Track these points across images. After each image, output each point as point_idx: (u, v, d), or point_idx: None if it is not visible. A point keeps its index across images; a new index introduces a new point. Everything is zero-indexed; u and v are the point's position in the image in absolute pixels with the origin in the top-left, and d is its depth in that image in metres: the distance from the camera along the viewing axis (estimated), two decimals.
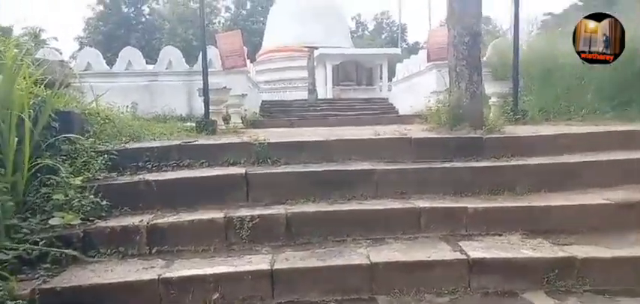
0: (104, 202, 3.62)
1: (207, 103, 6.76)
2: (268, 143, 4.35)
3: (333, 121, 11.86)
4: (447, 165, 4.16)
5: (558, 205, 3.58)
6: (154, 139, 4.85)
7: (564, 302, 2.79)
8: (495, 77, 9.48)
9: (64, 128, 4.07)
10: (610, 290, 2.87)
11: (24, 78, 3.91)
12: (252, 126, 9.97)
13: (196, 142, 4.64)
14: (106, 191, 3.69)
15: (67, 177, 3.63)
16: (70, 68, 7.12)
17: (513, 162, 4.18)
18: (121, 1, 43.26)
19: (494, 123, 5.16)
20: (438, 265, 3.03)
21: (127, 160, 4.19)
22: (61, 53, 15.18)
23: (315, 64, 20.31)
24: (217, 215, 3.53)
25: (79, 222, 3.37)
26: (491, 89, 8.10)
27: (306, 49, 20.94)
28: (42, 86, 4.25)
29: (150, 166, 4.20)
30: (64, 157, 3.91)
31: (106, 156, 4.10)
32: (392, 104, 17.64)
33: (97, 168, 3.96)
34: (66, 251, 3.13)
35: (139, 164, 4.20)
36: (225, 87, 8.90)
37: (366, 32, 57.00)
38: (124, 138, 4.65)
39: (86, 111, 4.83)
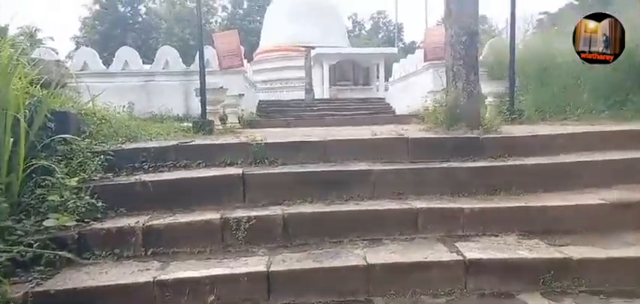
0: (100, 203, 3.60)
1: (204, 103, 6.75)
2: (265, 143, 4.34)
3: (330, 121, 11.85)
4: (444, 165, 4.16)
5: (555, 205, 3.58)
6: (151, 139, 4.83)
7: (560, 303, 2.79)
8: (491, 76, 9.51)
9: (60, 128, 4.04)
10: (606, 291, 2.87)
11: (19, 78, 3.88)
12: (249, 126, 9.95)
13: (193, 142, 4.63)
14: (102, 192, 3.67)
15: (63, 178, 3.61)
16: (67, 68, 7.08)
17: (510, 162, 4.18)
18: (117, 0, 43.10)
19: (491, 122, 5.16)
20: (435, 266, 3.02)
21: (123, 161, 4.17)
22: (57, 53, 15.10)
23: (312, 63, 20.29)
24: (214, 216, 3.51)
25: (74, 223, 3.35)
26: (488, 88, 8.10)
27: (303, 49, 20.92)
28: (38, 86, 4.23)
29: (146, 167, 4.19)
30: (60, 158, 3.89)
31: (102, 156, 4.07)
32: (389, 104, 17.65)
33: (93, 168, 3.94)
34: (60, 253, 3.10)
35: (136, 164, 4.19)
36: (222, 87, 8.86)
37: (362, 32, 57.00)
38: (120, 139, 4.63)
39: (82, 112, 4.80)
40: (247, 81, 14.17)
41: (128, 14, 44.75)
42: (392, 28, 49.78)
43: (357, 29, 56.77)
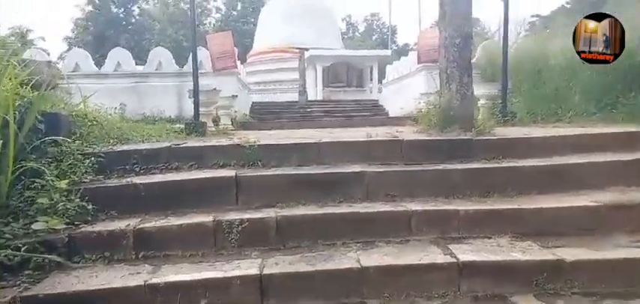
0: (90, 206, 3.55)
1: (197, 105, 6.72)
2: (258, 145, 4.31)
3: (323, 123, 11.82)
4: (438, 167, 4.16)
5: (548, 207, 3.59)
6: (143, 141, 4.79)
7: None
8: (484, 79, 9.57)
9: (50, 130, 3.99)
10: (598, 293, 2.88)
11: (10, 79, 3.84)
12: (243, 127, 9.92)
13: (186, 144, 4.60)
14: (93, 194, 3.63)
15: (53, 181, 3.56)
16: (58, 69, 7.02)
17: (504, 164, 4.18)
18: (110, 1, 42.85)
19: (485, 124, 5.18)
20: (429, 269, 3.01)
21: (114, 163, 4.12)
22: (48, 54, 14.94)
23: (305, 65, 20.28)
24: (206, 218, 3.48)
25: (64, 226, 3.30)
26: (480, 90, 8.13)
27: (297, 51, 20.92)
28: (28, 87, 4.18)
29: (138, 169, 4.14)
30: (50, 160, 3.84)
31: (93, 158, 4.03)
32: (382, 105, 17.66)
33: (84, 170, 3.89)
34: (49, 256, 3.06)
35: (127, 167, 4.14)
36: (215, 89, 8.82)
37: (356, 34, 57.09)
38: (111, 140, 4.59)
39: (73, 113, 4.75)
40: (240, 82, 14.12)
41: (121, 15, 44.50)
42: (385, 31, 49.91)
43: (350, 31, 56.85)
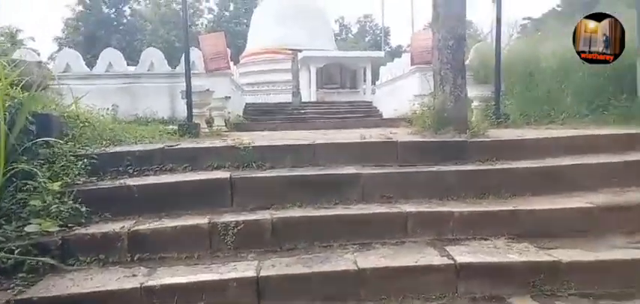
0: (84, 208, 3.51)
1: (190, 106, 6.68)
2: (253, 146, 4.29)
3: (317, 124, 11.81)
4: (433, 168, 4.16)
5: (543, 209, 3.60)
6: (136, 143, 4.74)
7: None
8: (477, 80, 9.63)
9: (41, 131, 3.94)
10: (595, 294, 2.89)
11: None
12: (236, 129, 9.88)
13: (179, 146, 4.56)
14: (86, 196, 3.58)
15: (45, 183, 3.51)
16: (49, 70, 6.95)
17: (498, 166, 4.20)
18: (101, 1, 42.52)
19: (478, 126, 5.20)
20: (426, 270, 3.01)
21: (107, 164, 4.08)
22: (38, 54, 14.80)
23: (299, 66, 20.26)
24: (201, 221, 3.45)
25: (57, 228, 3.26)
26: (473, 92, 8.19)
27: (290, 52, 20.90)
28: (18, 88, 4.12)
29: (131, 171, 4.10)
30: (42, 162, 3.79)
31: (85, 160, 3.98)
32: (376, 107, 17.71)
33: (77, 172, 3.84)
34: (43, 259, 3.02)
35: (120, 168, 4.10)
36: (208, 90, 8.80)
37: (349, 35, 57.23)
38: (104, 142, 4.54)
39: (65, 114, 4.70)
40: (234, 83, 14.08)
41: (112, 15, 44.19)
42: (378, 32, 49.99)
43: (343, 33, 56.98)
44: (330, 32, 30.03)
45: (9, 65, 4.21)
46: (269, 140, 4.85)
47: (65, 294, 2.72)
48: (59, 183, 3.59)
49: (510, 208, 3.64)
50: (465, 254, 3.15)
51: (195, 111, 6.99)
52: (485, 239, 3.41)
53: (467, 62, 8.44)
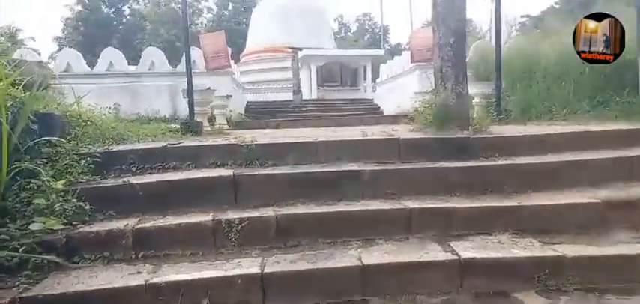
0: (87, 206, 3.51)
1: (191, 104, 6.68)
2: (256, 144, 4.29)
3: (318, 122, 11.83)
4: (436, 165, 4.16)
5: (547, 204, 3.60)
6: (138, 141, 4.74)
7: (555, 301, 2.80)
8: (477, 77, 9.61)
9: (44, 130, 3.94)
10: (599, 288, 2.89)
11: (0, 79, 3.78)
12: (238, 127, 9.88)
13: (182, 144, 4.56)
14: (90, 194, 3.59)
15: (49, 181, 3.51)
16: (50, 69, 6.94)
17: (501, 162, 4.20)
18: (100, 1, 42.50)
19: (480, 123, 5.19)
20: (430, 266, 3.01)
21: (110, 163, 4.08)
22: (39, 54, 14.81)
23: (299, 65, 20.27)
24: (205, 218, 3.46)
25: (62, 226, 3.26)
26: (474, 89, 8.18)
27: (290, 50, 20.92)
28: (20, 87, 4.12)
29: (134, 169, 4.11)
30: (45, 160, 3.79)
31: (88, 158, 3.99)
32: (377, 105, 17.72)
33: (80, 171, 3.85)
34: (48, 257, 3.02)
35: (123, 167, 4.10)
36: (209, 88, 8.82)
37: (348, 34, 57.26)
38: (107, 141, 4.54)
39: (67, 113, 4.69)
40: (235, 82, 14.09)
41: (112, 15, 44.21)
42: (378, 30, 50.04)
43: (343, 31, 57.00)
44: (329, 31, 30.06)
45: (10, 65, 4.21)
46: (271, 138, 4.85)
47: (70, 291, 2.73)
48: (63, 181, 3.59)
49: (514, 204, 3.64)
50: (468, 249, 3.15)
51: (197, 109, 6.99)
52: (489, 235, 3.41)
53: (467, 59, 8.45)
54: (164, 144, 4.51)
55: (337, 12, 59.33)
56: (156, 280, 2.84)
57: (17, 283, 2.80)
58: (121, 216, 3.53)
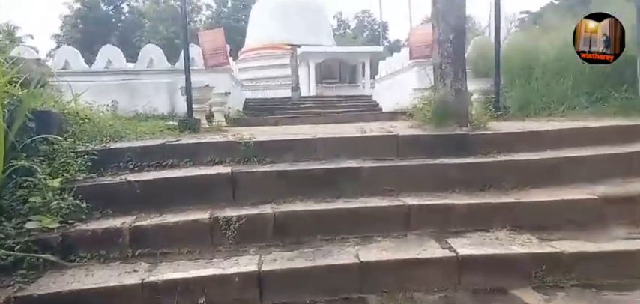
0: (84, 204, 3.49)
1: (190, 102, 6.66)
2: (254, 141, 4.28)
3: (317, 119, 11.81)
4: (435, 161, 4.15)
5: (545, 201, 3.60)
6: (136, 139, 4.72)
7: (552, 297, 2.80)
8: (476, 74, 9.59)
9: (41, 128, 3.93)
10: (596, 284, 2.89)
11: None
12: (236, 124, 9.86)
13: (180, 141, 4.54)
14: (87, 192, 3.57)
15: (45, 179, 3.49)
16: (48, 67, 6.92)
17: (499, 158, 4.19)
18: None
19: (479, 119, 5.19)
20: (428, 263, 3.01)
21: (108, 161, 4.06)
22: (37, 51, 14.78)
23: (298, 62, 20.24)
24: (203, 215, 3.45)
25: (58, 225, 3.25)
26: (473, 86, 8.16)
27: (289, 47, 20.87)
28: (17, 85, 4.10)
29: (132, 166, 4.09)
30: (42, 158, 3.77)
31: (85, 156, 3.97)
32: (376, 101, 17.70)
33: (77, 169, 3.83)
34: (43, 256, 3.00)
35: (121, 164, 4.09)
36: (208, 86, 8.79)
37: (347, 30, 57.17)
38: (104, 138, 4.52)
39: (65, 111, 4.68)
40: (233, 79, 14.06)
41: (111, 13, 44.11)
42: (377, 27, 49.99)
43: (342, 28, 56.91)
44: (328, 27, 29.99)
45: (7, 62, 4.19)
46: (269, 135, 4.84)
47: (66, 290, 2.71)
48: (59, 179, 3.58)
49: (512, 200, 3.64)
50: (466, 246, 3.15)
51: (195, 106, 6.97)
52: (487, 231, 3.41)
53: (466, 56, 8.43)
54: (162, 141, 4.50)
55: (336, 9, 59.31)
56: (152, 279, 2.83)
57: (12, 282, 2.78)
58: (118, 214, 3.52)
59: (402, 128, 5.13)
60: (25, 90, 4.09)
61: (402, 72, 14.50)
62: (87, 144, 4.24)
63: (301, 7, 26.13)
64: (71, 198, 3.46)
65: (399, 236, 3.43)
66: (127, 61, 12.90)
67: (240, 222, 3.38)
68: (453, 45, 5.15)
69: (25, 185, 3.44)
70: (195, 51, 11.17)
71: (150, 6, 43.38)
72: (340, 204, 3.68)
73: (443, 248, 3.14)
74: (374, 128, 5.17)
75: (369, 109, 16.08)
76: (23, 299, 2.63)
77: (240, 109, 14.24)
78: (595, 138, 4.55)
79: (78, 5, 41.45)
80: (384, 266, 3.00)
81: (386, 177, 3.99)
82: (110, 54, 12.45)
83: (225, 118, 10.45)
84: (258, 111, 15.37)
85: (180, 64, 10.67)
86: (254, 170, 4.02)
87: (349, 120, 10.65)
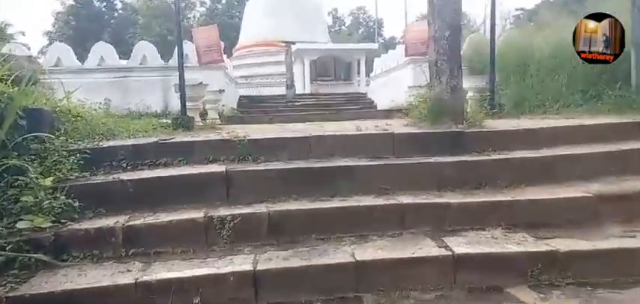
0: (77, 203, 3.45)
1: (183, 99, 6.61)
2: (248, 140, 4.25)
3: (312, 116, 11.77)
4: (430, 160, 4.14)
5: (540, 199, 3.60)
6: (129, 137, 4.68)
7: (548, 295, 2.79)
8: (471, 71, 9.61)
9: (32, 126, 3.88)
10: (592, 283, 2.89)
11: None
12: (230, 122, 9.82)
13: (173, 139, 4.50)
14: (79, 192, 3.53)
15: (37, 178, 3.45)
16: (39, 64, 6.86)
17: (495, 156, 4.19)
18: None
19: (474, 117, 5.18)
20: (424, 262, 3.00)
21: (100, 159, 4.02)
22: (28, 48, 14.61)
23: (292, 59, 20.19)
24: (197, 214, 3.41)
25: (50, 224, 3.20)
26: (468, 83, 8.18)
27: (284, 44, 20.83)
28: (8, 82, 4.04)
29: (125, 165, 4.05)
30: (33, 157, 3.72)
31: (78, 155, 3.92)
32: (371, 99, 17.71)
33: (69, 167, 3.78)
34: (35, 255, 2.96)
35: (114, 163, 4.04)
36: (201, 83, 8.74)
37: (342, 27, 57.17)
38: (97, 137, 4.47)
39: (56, 109, 4.63)
40: (227, 76, 14.00)
41: (103, 9, 43.78)
42: (372, 24, 49.96)
43: (337, 25, 56.90)
44: (323, 24, 29.96)
45: None
46: (264, 133, 4.81)
47: (58, 290, 2.68)
48: (51, 178, 3.53)
49: (507, 198, 3.63)
50: (462, 244, 3.14)
51: (188, 104, 6.93)
52: (483, 230, 3.40)
53: (461, 53, 8.43)
54: (155, 139, 4.46)
55: (331, 5, 59.28)
56: (146, 278, 2.79)
57: (4, 282, 2.73)
58: (110, 213, 3.48)
59: (398, 126, 5.11)
60: (16, 88, 4.03)
61: (397, 69, 14.51)
62: (79, 142, 4.19)
63: (296, 4, 26.07)
64: (63, 197, 3.42)
65: (394, 235, 3.41)
66: (120, 58, 12.81)
67: (235, 221, 3.35)
68: (449, 42, 5.14)
69: (16, 184, 3.39)
70: (188, 48, 11.11)
71: (143, 2, 43.10)
72: (335, 203, 3.66)
73: (439, 247, 3.13)
74: (369, 126, 5.15)
75: (364, 107, 16.09)
76: (15, 300, 2.60)
77: (235, 107, 14.20)
78: (590, 136, 4.56)
79: (70, 1, 41.10)
80: (380, 265, 2.99)
81: (381, 176, 3.97)
82: (103, 51, 12.36)
83: (219, 116, 10.41)
84: (252, 108, 15.33)
85: (173, 61, 10.63)
86: (249, 168, 3.99)
87: (344, 117, 10.64)
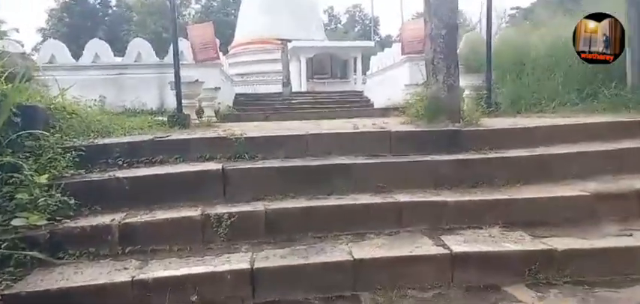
0: (72, 201, 3.42)
1: (179, 97, 6.58)
2: (245, 137, 4.23)
3: (308, 114, 11.77)
4: (427, 158, 4.14)
5: (537, 197, 3.60)
6: (125, 134, 4.66)
7: (545, 294, 2.80)
8: (468, 70, 9.62)
9: (27, 123, 3.84)
10: (589, 281, 2.90)
11: None
12: (227, 119, 9.79)
13: (170, 137, 4.48)
14: (75, 189, 3.50)
15: (32, 175, 3.41)
16: (33, 61, 6.80)
17: (492, 155, 4.19)
18: None
19: (471, 115, 5.19)
20: (421, 260, 3.00)
21: (96, 157, 4.00)
22: (22, 45, 14.47)
23: (289, 56, 20.15)
24: (193, 212, 3.40)
25: (45, 222, 3.17)
26: (465, 82, 8.17)
27: (280, 42, 20.77)
28: (2, 79, 4.00)
29: (121, 163, 4.02)
30: (28, 154, 3.69)
31: (73, 152, 3.89)
32: (367, 97, 17.69)
33: (64, 165, 3.75)
34: (31, 253, 2.94)
35: (110, 160, 4.02)
36: (197, 81, 8.69)
37: (338, 25, 57.13)
38: (92, 134, 4.45)
39: (51, 106, 4.58)
40: (223, 74, 13.94)
41: (98, 6, 43.51)
42: (368, 22, 50.03)
43: (333, 23, 56.85)
44: (319, 22, 29.91)
45: None
46: (260, 131, 4.80)
47: (54, 288, 2.66)
48: (46, 175, 3.50)
49: (505, 197, 3.64)
50: (460, 243, 3.14)
51: (184, 102, 6.89)
52: (480, 228, 3.40)
53: (458, 51, 8.43)
54: (151, 137, 4.44)
55: (327, 3, 59.09)
56: (143, 276, 2.78)
57: None
58: (106, 211, 3.46)
59: (394, 124, 5.11)
60: (10, 85, 3.99)
61: (393, 67, 14.50)
62: (74, 139, 4.16)
63: (291, 1, 25.99)
64: (59, 195, 3.39)
65: (391, 233, 3.41)
66: (115, 55, 12.73)
67: (232, 219, 3.33)
68: (446, 40, 5.14)
69: (10, 181, 3.36)
70: (184, 45, 11.05)
71: None
72: (332, 201, 3.65)
73: (436, 245, 3.13)
74: (366, 124, 5.15)
75: (360, 105, 16.09)
76: (11, 297, 2.58)
77: (231, 105, 14.14)
78: (586, 135, 4.57)
79: None
80: (378, 263, 2.98)
81: (378, 174, 3.97)
82: (97, 48, 12.27)
83: (216, 114, 10.37)
84: (249, 106, 15.28)
85: (169, 59, 10.55)
86: (245, 166, 3.97)
87: (341, 115, 10.64)
